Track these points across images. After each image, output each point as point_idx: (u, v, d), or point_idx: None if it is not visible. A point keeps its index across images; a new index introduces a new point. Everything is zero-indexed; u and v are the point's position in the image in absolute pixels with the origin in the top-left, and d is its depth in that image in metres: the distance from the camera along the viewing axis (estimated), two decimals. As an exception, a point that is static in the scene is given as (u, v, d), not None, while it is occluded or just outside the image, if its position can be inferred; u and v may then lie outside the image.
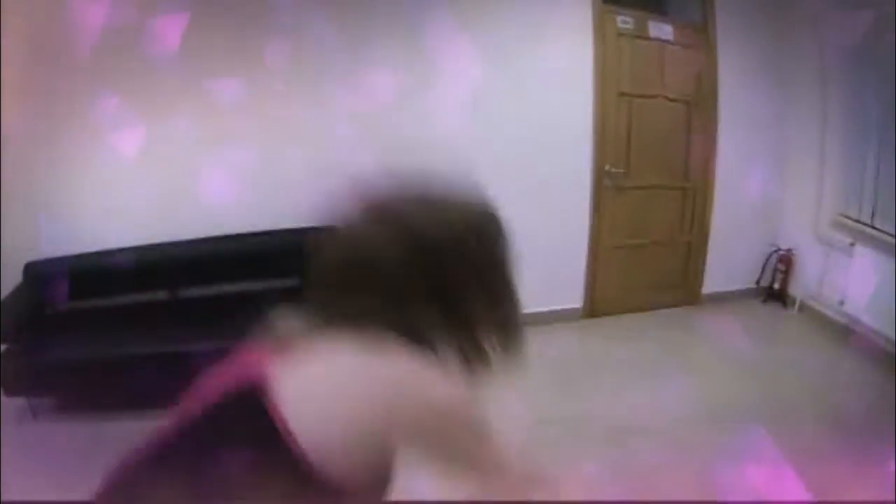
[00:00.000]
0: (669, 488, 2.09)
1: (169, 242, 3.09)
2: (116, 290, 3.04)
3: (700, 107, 3.72)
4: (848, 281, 3.63)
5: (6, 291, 2.93)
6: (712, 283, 4.04)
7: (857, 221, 3.61)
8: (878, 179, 3.55)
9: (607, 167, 3.64)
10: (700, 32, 3.69)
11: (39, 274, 2.98)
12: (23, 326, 2.79)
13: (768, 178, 3.88)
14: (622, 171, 3.67)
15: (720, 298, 4.03)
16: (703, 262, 3.97)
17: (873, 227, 3.51)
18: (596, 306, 3.87)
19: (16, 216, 2.96)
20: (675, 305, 3.96)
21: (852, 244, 3.59)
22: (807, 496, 2.09)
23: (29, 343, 2.77)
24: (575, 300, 3.87)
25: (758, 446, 2.35)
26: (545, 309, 3.68)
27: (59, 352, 2.75)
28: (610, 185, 3.67)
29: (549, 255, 3.49)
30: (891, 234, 3.34)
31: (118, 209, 3.13)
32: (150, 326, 2.88)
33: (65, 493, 1.39)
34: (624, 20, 3.55)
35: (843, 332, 3.50)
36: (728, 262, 4.02)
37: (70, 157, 3.10)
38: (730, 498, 2.06)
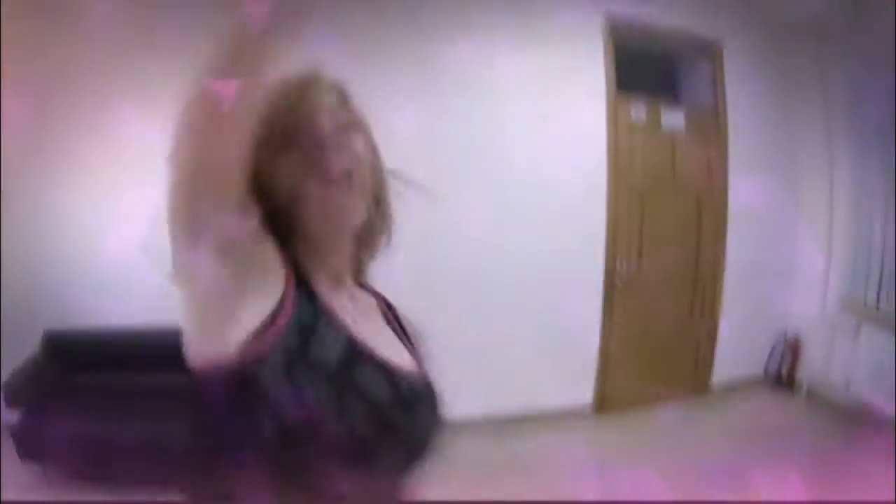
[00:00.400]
0: None
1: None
2: (138, 368, 2.93)
3: (710, 197, 3.62)
4: (854, 362, 3.62)
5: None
6: (720, 372, 3.95)
7: (863, 304, 3.61)
8: (884, 261, 3.56)
9: (619, 262, 3.50)
10: (711, 117, 3.60)
11: (60, 344, 2.92)
12: (41, 394, 2.79)
13: (777, 267, 3.83)
14: (634, 265, 3.53)
15: (729, 387, 3.94)
16: (713, 353, 3.88)
17: (878, 308, 3.52)
18: (606, 401, 3.73)
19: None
20: (683, 397, 3.85)
21: (858, 327, 3.59)
22: None
23: (47, 411, 2.76)
24: (585, 395, 3.72)
25: None
26: (555, 404, 3.53)
27: (75, 424, 2.69)
28: (621, 283, 3.53)
29: (561, 350, 3.42)
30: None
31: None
32: (168, 407, 2.62)
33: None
34: (638, 113, 3.42)
35: (850, 417, 3.45)
36: (736, 351, 3.94)
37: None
38: None
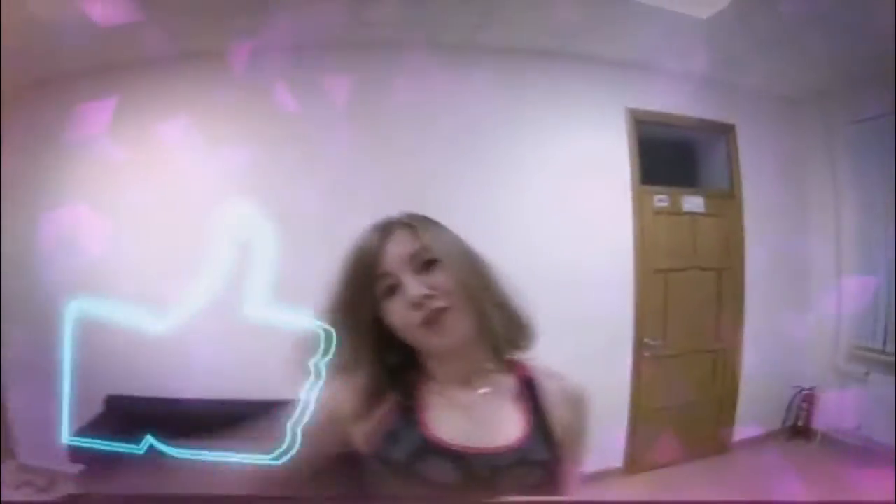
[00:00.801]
0: None
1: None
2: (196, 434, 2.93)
3: (729, 271, 3.82)
4: (864, 407, 3.86)
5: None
6: (740, 430, 4.11)
7: (871, 350, 3.83)
8: (889, 308, 3.78)
9: (646, 339, 3.69)
10: (728, 199, 3.79)
11: (121, 410, 3.01)
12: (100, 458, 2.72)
13: (791, 326, 4.03)
14: (660, 341, 3.72)
15: (748, 445, 4.09)
16: (734, 414, 4.09)
17: (884, 353, 3.74)
18: (635, 464, 3.93)
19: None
20: (706, 456, 4.00)
21: (867, 373, 3.82)
22: None
23: (107, 469, 2.71)
24: (616, 460, 3.92)
25: None
26: (589, 470, 3.71)
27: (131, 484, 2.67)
28: (648, 354, 3.72)
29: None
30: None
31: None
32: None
33: None
34: (660, 199, 3.59)
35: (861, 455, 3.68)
36: (754, 409, 4.12)
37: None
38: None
